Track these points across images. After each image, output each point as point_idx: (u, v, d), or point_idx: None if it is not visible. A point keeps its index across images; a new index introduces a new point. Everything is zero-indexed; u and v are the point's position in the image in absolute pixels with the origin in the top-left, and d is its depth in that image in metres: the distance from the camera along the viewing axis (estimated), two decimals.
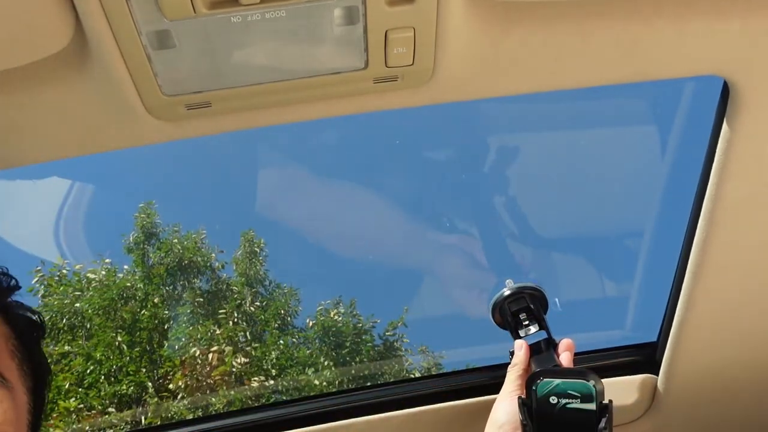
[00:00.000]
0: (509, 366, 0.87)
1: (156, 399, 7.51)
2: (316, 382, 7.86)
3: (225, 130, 0.69)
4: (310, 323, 8.58)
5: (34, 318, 0.69)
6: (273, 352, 8.05)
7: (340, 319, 8.52)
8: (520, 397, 0.78)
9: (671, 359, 1.03)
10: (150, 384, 7.59)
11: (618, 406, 1.12)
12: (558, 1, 0.61)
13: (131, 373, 7.63)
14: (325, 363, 8.17)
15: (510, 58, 0.65)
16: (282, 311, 8.62)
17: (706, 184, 0.81)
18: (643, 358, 1.13)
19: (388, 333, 8.56)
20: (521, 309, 0.87)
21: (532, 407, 0.76)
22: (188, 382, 7.60)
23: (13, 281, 0.67)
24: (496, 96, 0.70)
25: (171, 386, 7.62)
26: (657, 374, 1.09)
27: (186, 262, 8.54)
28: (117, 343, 7.78)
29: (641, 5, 0.62)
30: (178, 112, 0.63)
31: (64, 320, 7.85)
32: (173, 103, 0.62)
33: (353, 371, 8.17)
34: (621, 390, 1.11)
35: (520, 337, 0.89)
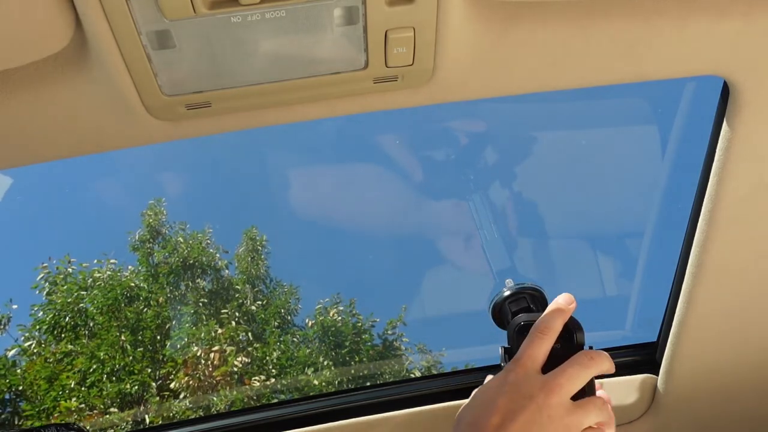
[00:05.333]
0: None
1: (158, 398, 7.51)
2: (316, 382, 7.86)
3: (225, 130, 0.69)
4: (310, 323, 8.58)
5: None
6: (274, 352, 8.06)
7: (340, 318, 8.52)
8: (502, 346, 0.80)
9: (671, 359, 1.03)
10: (153, 383, 7.59)
11: (618, 405, 1.12)
12: (558, 0, 0.61)
13: (135, 372, 7.63)
14: (325, 363, 8.17)
15: (510, 58, 0.65)
16: (282, 310, 8.62)
17: (706, 184, 0.81)
18: (643, 358, 1.13)
19: (388, 332, 8.56)
20: (521, 309, 0.87)
21: (512, 353, 0.78)
22: (190, 382, 7.61)
23: None
24: (496, 96, 0.70)
25: (173, 386, 7.63)
26: (657, 374, 1.09)
27: (191, 261, 8.55)
28: (121, 342, 7.79)
29: (641, 5, 0.62)
30: (178, 112, 0.64)
31: (68, 318, 7.85)
32: (173, 103, 0.62)
33: (353, 371, 8.17)
34: (621, 390, 1.12)
35: None
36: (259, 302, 8.63)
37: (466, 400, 0.72)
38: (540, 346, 0.69)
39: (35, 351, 7.66)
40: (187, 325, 8.26)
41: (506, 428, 0.63)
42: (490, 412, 0.65)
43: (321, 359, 8.22)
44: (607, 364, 0.70)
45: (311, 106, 0.67)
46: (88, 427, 6.75)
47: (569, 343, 0.74)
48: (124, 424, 7.24)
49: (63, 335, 7.81)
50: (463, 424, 0.66)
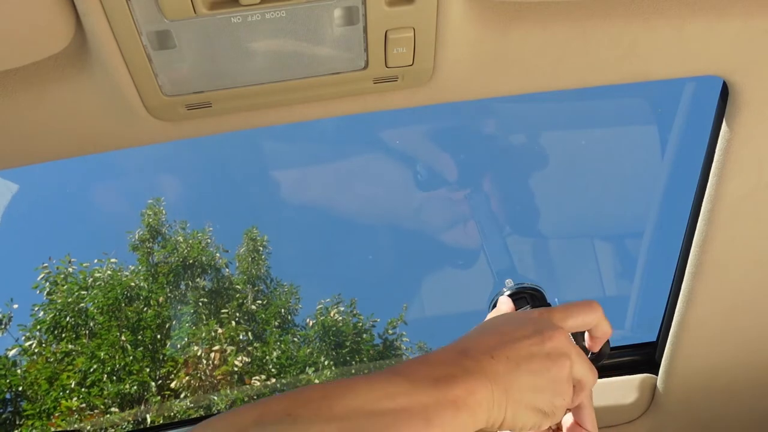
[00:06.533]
0: None
1: (158, 398, 7.52)
2: (317, 381, 7.87)
3: (225, 130, 0.69)
4: (310, 323, 8.59)
5: None
6: (275, 352, 8.07)
7: (341, 318, 8.53)
8: None
9: (671, 359, 1.03)
10: (153, 383, 7.59)
11: (617, 405, 1.13)
12: (558, 0, 0.61)
13: (135, 372, 7.64)
14: (325, 362, 8.18)
15: (510, 58, 0.65)
16: (282, 310, 8.63)
17: (706, 184, 0.81)
18: (642, 357, 1.13)
19: (389, 332, 8.57)
20: (521, 309, 0.87)
21: None
22: (191, 381, 7.61)
23: None
24: (496, 96, 0.70)
25: (173, 385, 7.63)
26: (656, 374, 1.10)
27: (191, 261, 8.55)
28: (121, 342, 7.79)
29: (641, 5, 0.62)
30: (178, 112, 0.64)
31: (68, 318, 7.86)
32: (173, 103, 0.62)
33: (353, 371, 8.17)
34: (620, 389, 1.12)
35: None
36: (260, 302, 8.64)
37: None
38: (581, 313, 0.64)
39: (36, 351, 7.67)
40: (187, 324, 8.27)
41: (499, 348, 0.56)
42: (489, 334, 0.59)
43: (321, 359, 8.22)
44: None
45: (311, 106, 0.67)
46: (88, 428, 6.76)
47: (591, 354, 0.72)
48: (125, 423, 7.24)
49: (63, 335, 7.81)
50: (453, 350, 0.58)
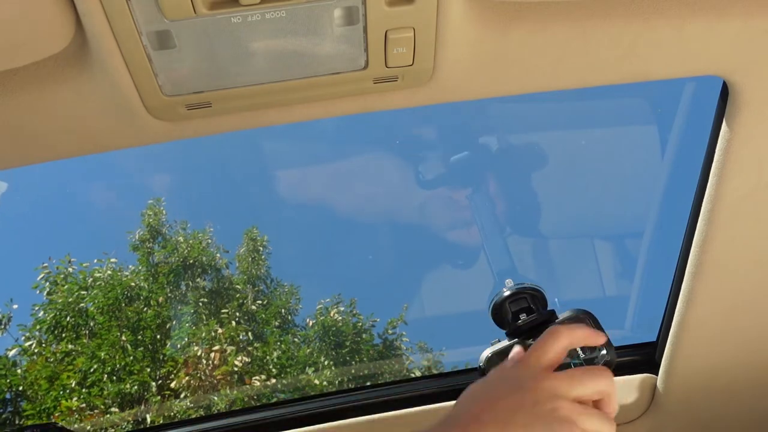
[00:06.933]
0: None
1: (158, 398, 7.52)
2: (317, 381, 7.87)
3: (225, 130, 0.69)
4: (310, 323, 8.58)
5: None
6: (275, 352, 8.07)
7: (340, 318, 8.52)
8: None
9: (671, 359, 1.03)
10: (153, 383, 7.59)
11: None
12: (558, 0, 0.61)
13: (135, 372, 7.64)
14: (325, 362, 8.18)
15: (510, 58, 0.65)
16: (282, 310, 8.63)
17: (706, 184, 0.81)
18: (642, 357, 1.13)
19: (388, 332, 8.57)
20: (521, 309, 0.87)
21: None
22: (191, 382, 7.61)
23: None
24: (496, 96, 0.70)
25: (173, 385, 7.63)
26: (656, 374, 1.10)
27: (191, 261, 8.55)
28: (121, 342, 7.79)
29: (641, 5, 0.62)
30: (178, 112, 0.64)
31: (68, 318, 7.86)
32: (174, 103, 0.62)
33: (353, 371, 8.18)
34: (620, 389, 1.12)
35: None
36: (260, 302, 8.64)
37: None
38: (546, 345, 0.64)
39: (36, 351, 7.67)
40: (187, 324, 8.27)
41: (486, 412, 0.59)
42: (474, 402, 0.62)
43: (321, 359, 8.22)
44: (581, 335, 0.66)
45: (311, 106, 0.67)
46: (89, 427, 6.75)
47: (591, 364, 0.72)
48: (125, 423, 7.24)
49: (63, 335, 7.81)
50: (442, 423, 0.61)
